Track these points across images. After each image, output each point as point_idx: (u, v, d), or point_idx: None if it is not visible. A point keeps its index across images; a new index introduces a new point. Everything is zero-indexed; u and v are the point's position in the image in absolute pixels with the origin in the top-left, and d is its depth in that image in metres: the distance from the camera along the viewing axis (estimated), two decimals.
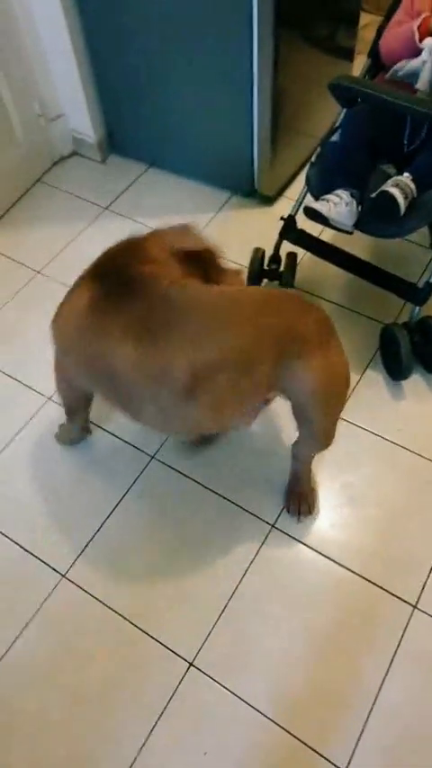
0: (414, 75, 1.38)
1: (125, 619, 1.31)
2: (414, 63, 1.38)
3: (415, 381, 1.63)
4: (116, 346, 1.05)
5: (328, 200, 1.36)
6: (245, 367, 1.03)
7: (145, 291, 1.07)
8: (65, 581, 1.36)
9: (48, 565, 1.39)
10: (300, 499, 1.42)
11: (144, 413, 1.11)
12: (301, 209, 1.64)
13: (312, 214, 1.39)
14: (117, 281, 1.10)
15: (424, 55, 1.35)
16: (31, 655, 1.28)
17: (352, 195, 1.37)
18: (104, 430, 1.59)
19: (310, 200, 1.43)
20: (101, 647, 1.28)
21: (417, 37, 1.36)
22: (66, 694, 1.24)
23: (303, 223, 1.68)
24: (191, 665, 1.25)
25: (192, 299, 1.07)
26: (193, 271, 1.20)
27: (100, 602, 1.33)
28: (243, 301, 1.08)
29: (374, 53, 1.56)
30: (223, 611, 1.31)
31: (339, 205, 1.35)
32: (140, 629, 1.30)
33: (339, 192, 1.37)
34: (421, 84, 1.37)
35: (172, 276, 1.12)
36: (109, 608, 1.32)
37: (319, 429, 1.22)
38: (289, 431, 1.56)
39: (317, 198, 1.47)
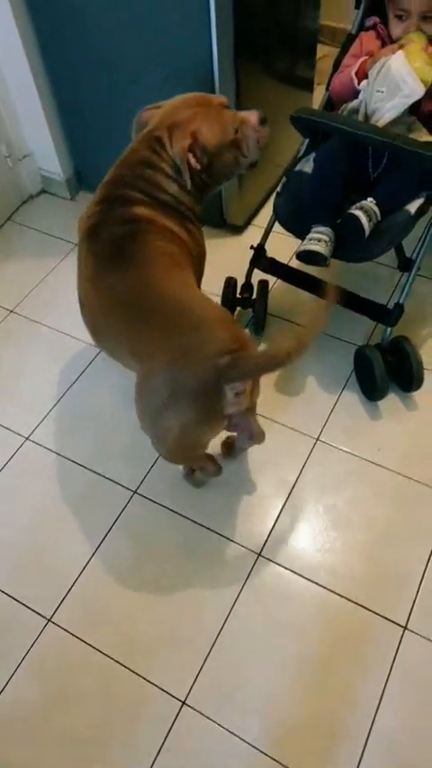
0: (356, 112, 1.45)
1: (114, 660, 1.28)
2: (354, 103, 1.46)
3: (391, 401, 1.65)
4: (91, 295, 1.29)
5: (319, 240, 1.38)
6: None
7: (122, 257, 1.25)
8: (51, 625, 1.33)
9: (32, 609, 1.36)
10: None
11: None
12: (268, 241, 1.68)
13: (309, 256, 1.39)
14: (107, 245, 1.27)
15: (361, 95, 1.42)
16: (20, 702, 1.25)
17: (331, 230, 1.41)
18: (84, 467, 1.58)
19: (301, 244, 1.41)
20: (92, 691, 1.25)
21: (355, 81, 1.44)
22: (58, 740, 1.20)
23: (273, 251, 1.71)
24: (183, 703, 1.23)
25: (134, 281, 1.22)
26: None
27: (88, 644, 1.31)
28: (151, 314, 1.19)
29: None
30: (213, 644, 1.29)
31: (329, 244, 1.38)
32: (130, 670, 1.27)
33: (322, 229, 1.40)
34: (361, 119, 1.43)
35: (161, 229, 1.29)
36: (97, 650, 1.30)
37: None
38: (267, 457, 1.56)
39: (288, 226, 1.50)
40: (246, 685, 1.25)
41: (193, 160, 1.29)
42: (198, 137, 1.28)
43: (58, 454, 1.61)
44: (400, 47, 1.38)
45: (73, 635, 1.32)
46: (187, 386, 1.12)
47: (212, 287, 1.92)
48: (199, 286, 1.46)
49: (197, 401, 1.13)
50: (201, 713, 1.22)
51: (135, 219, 1.27)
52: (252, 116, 1.36)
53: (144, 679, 1.26)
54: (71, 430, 1.65)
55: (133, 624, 1.33)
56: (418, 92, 1.33)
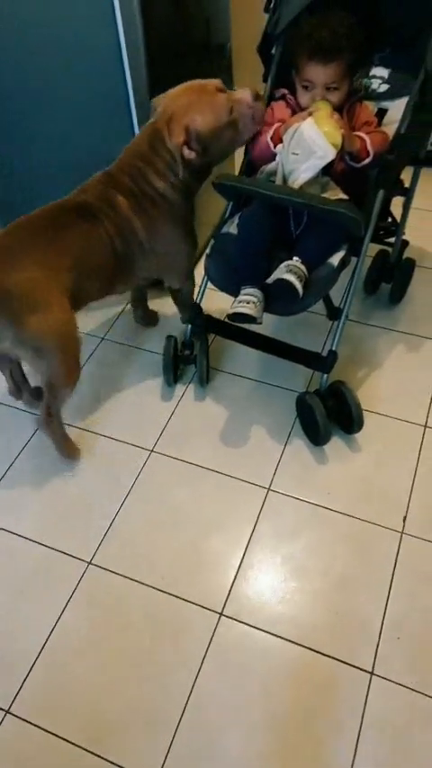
0: (274, 174, 1.54)
1: (80, 747, 1.22)
2: (272, 165, 1.55)
3: (336, 443, 1.70)
4: None
5: (248, 302, 1.44)
6: None
7: (73, 218, 1.48)
8: (9, 717, 1.26)
9: None
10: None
11: None
12: (204, 299, 1.74)
13: (240, 318, 1.45)
14: (77, 204, 1.51)
15: (278, 158, 1.52)
16: None
17: (260, 289, 1.47)
18: (34, 541, 1.53)
19: (232, 306, 1.47)
20: None
21: (272, 146, 1.53)
22: None
23: (210, 306, 1.76)
24: None
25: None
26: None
27: (51, 733, 1.24)
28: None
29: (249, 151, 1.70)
30: (182, 716, 1.26)
31: (258, 304, 1.44)
32: (97, 756, 1.21)
33: (250, 290, 1.46)
34: (278, 180, 1.52)
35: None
36: (61, 738, 1.23)
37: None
38: (222, 513, 1.57)
39: (220, 287, 1.56)
40: (218, 755, 1.21)
41: (187, 152, 1.45)
42: (191, 127, 1.44)
43: (6, 530, 1.56)
44: (309, 114, 1.48)
45: (34, 725, 1.25)
46: None
47: (154, 346, 1.96)
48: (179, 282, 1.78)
49: None
50: None
51: (109, 204, 1.50)
52: (245, 94, 1.50)
53: (112, 763, 1.20)
54: (17, 504, 1.61)
55: (97, 705, 1.28)
56: (330, 154, 1.42)
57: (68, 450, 1.69)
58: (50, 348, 1.44)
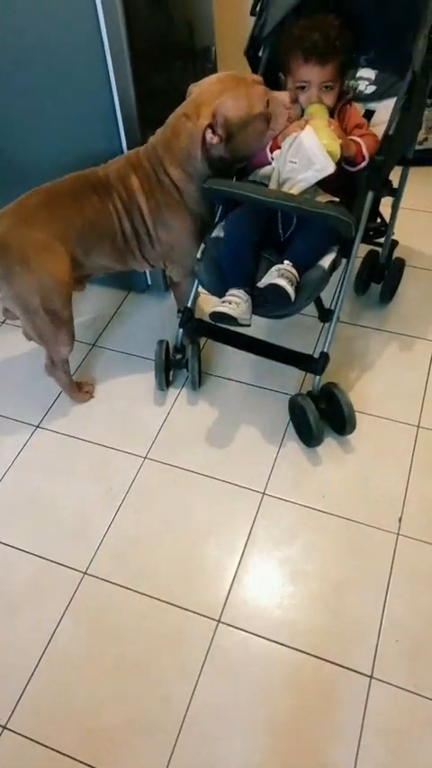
0: (267, 178, 1.54)
1: (79, 761, 1.21)
2: (266, 169, 1.55)
3: (329, 445, 1.69)
4: None
5: (230, 302, 1.44)
6: None
7: (86, 188, 1.54)
8: (7, 733, 1.25)
9: None
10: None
11: None
12: (195, 303, 1.73)
13: (220, 318, 1.45)
14: (95, 177, 1.56)
15: (273, 163, 1.51)
16: None
17: (246, 292, 1.46)
18: (27, 552, 1.52)
19: (213, 305, 1.46)
20: None
21: (269, 155, 1.53)
22: None
23: (201, 312, 1.75)
24: None
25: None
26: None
27: (49, 748, 1.23)
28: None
29: None
30: (181, 726, 1.25)
31: (241, 305, 1.44)
32: None
33: (235, 292, 1.46)
34: (272, 185, 1.51)
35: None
36: (60, 753, 1.22)
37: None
38: (217, 518, 1.56)
39: (211, 291, 1.55)
40: (218, 765, 1.20)
41: (209, 135, 1.43)
42: (219, 111, 1.42)
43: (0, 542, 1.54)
44: (306, 121, 1.47)
45: (32, 740, 1.24)
46: None
47: (144, 349, 1.95)
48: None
49: None
50: None
51: (124, 184, 1.54)
52: (283, 95, 1.50)
53: None
54: (11, 515, 1.59)
55: (96, 717, 1.27)
56: (330, 167, 1.41)
57: (74, 396, 1.82)
58: (36, 307, 1.51)
